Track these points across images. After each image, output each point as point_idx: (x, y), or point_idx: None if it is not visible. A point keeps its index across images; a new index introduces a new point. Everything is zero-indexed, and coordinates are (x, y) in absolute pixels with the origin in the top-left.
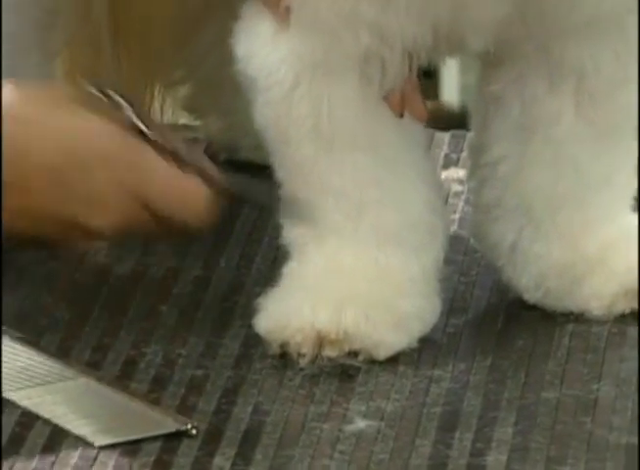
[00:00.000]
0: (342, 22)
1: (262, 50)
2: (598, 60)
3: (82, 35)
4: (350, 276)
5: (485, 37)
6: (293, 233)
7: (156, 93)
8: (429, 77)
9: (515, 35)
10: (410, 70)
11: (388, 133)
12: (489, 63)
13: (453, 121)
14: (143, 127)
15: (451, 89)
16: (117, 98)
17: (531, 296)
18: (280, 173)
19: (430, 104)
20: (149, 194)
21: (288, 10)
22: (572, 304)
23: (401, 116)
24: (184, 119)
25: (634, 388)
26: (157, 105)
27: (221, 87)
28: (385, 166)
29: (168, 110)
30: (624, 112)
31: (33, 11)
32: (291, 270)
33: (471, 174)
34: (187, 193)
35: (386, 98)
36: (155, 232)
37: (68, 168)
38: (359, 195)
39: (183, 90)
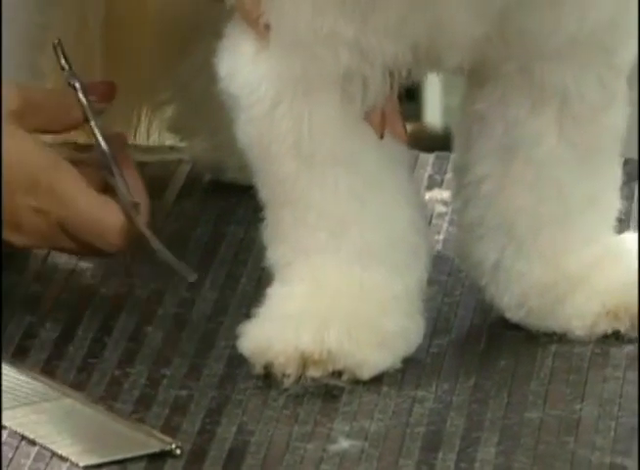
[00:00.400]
0: (322, 40)
1: (244, 68)
2: (581, 83)
3: (74, 54)
4: (334, 295)
5: (462, 55)
6: (277, 254)
7: (142, 115)
8: (411, 99)
9: (495, 55)
10: (392, 87)
11: (369, 152)
12: (474, 82)
13: (436, 143)
14: (87, 109)
15: (434, 111)
16: (72, 72)
17: (514, 315)
18: (263, 192)
19: (413, 125)
20: (66, 221)
21: (267, 27)
22: (555, 323)
23: (381, 136)
24: (170, 141)
25: (617, 408)
26: (143, 127)
27: (207, 108)
28: (366, 185)
29: (155, 132)
30: (608, 135)
31: (24, 25)
32: (275, 291)
33: (455, 194)
34: (102, 223)
35: (367, 117)
36: (74, 251)
37: None
38: (341, 213)
39: (169, 111)
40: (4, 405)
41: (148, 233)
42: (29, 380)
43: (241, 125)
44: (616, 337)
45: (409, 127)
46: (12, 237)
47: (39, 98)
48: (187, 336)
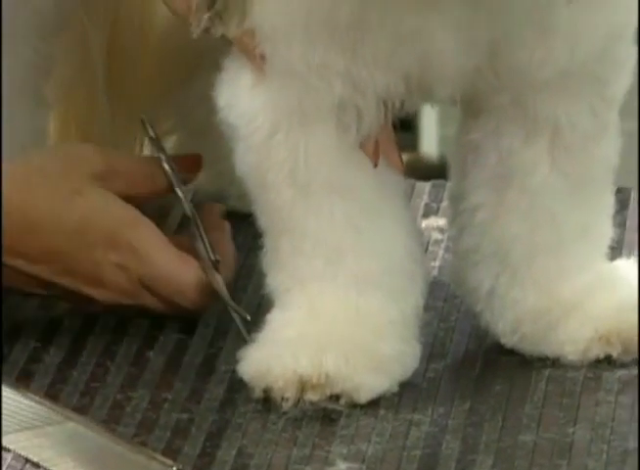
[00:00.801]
0: (315, 71)
1: (242, 99)
2: (573, 114)
3: (78, 84)
4: (331, 321)
5: (453, 87)
6: (276, 280)
7: (144, 144)
8: (408, 129)
9: (487, 87)
10: (386, 117)
11: (365, 180)
12: (469, 113)
13: (433, 172)
14: (173, 178)
15: (430, 141)
16: (159, 144)
17: (508, 340)
18: (261, 220)
19: (409, 155)
20: (145, 277)
21: (262, 57)
22: (548, 348)
23: (375, 165)
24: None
25: (609, 431)
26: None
27: (207, 138)
28: (362, 213)
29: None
30: (599, 165)
31: (27, 54)
32: (274, 317)
33: (451, 221)
34: (179, 280)
35: (361, 146)
36: (157, 307)
37: (70, 248)
38: (337, 241)
39: (171, 141)
40: (8, 429)
41: (224, 292)
42: (33, 404)
43: (239, 154)
44: (608, 361)
45: (406, 157)
46: (95, 292)
47: (124, 164)
48: (188, 361)
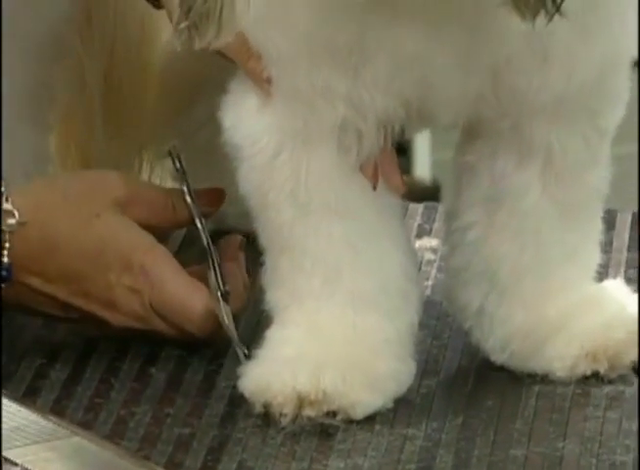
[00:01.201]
0: (319, 93)
1: (248, 121)
2: (565, 142)
3: (77, 109)
4: (328, 339)
5: (456, 112)
6: (275, 297)
7: (144, 164)
8: (401, 153)
9: (491, 112)
10: (387, 140)
11: (363, 202)
12: (468, 136)
13: (426, 195)
14: (192, 207)
15: (423, 165)
16: (184, 176)
17: (498, 357)
18: (262, 238)
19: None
20: (156, 302)
21: (269, 81)
22: (537, 365)
23: (375, 188)
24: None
25: (598, 445)
26: (145, 177)
27: (208, 159)
28: (360, 233)
29: (155, 181)
30: (589, 193)
31: (28, 82)
32: (273, 334)
33: (444, 240)
34: (189, 307)
35: (361, 169)
36: (168, 333)
37: (86, 269)
38: (335, 260)
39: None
40: (16, 443)
41: (229, 325)
42: (39, 419)
43: (243, 174)
44: (596, 378)
45: None
46: (108, 315)
47: (147, 193)
48: (189, 377)
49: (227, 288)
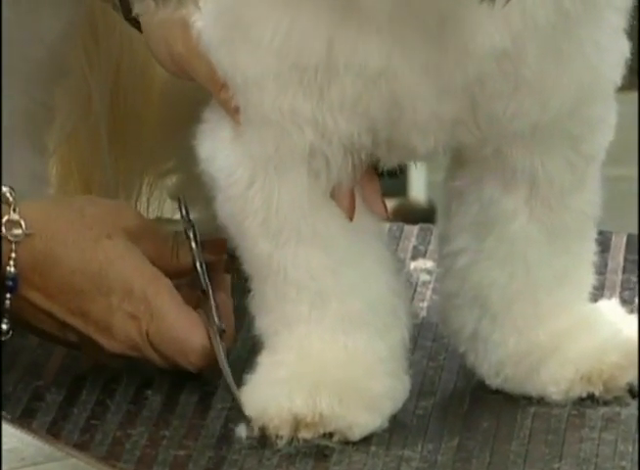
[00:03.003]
0: (287, 117)
1: (222, 152)
2: (549, 167)
3: (80, 131)
4: (321, 362)
5: (434, 140)
6: (264, 324)
7: (144, 187)
8: (397, 175)
9: (472, 138)
10: (355, 168)
11: (337, 227)
12: (456, 161)
13: (421, 216)
14: (196, 252)
15: (419, 187)
16: (190, 223)
17: (492, 382)
18: (245, 266)
19: (398, 200)
20: (153, 332)
21: (237, 110)
22: (532, 389)
23: (351, 219)
24: (168, 214)
25: (593, 467)
26: (144, 197)
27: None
28: (338, 259)
29: (154, 202)
30: (577, 217)
31: (27, 103)
32: (265, 359)
33: (438, 263)
34: (186, 342)
35: (336, 201)
36: (159, 364)
37: (88, 289)
38: (318, 286)
39: (172, 180)
40: (12, 465)
41: (225, 365)
42: (36, 441)
43: (219, 204)
44: (591, 400)
45: (396, 202)
46: (104, 340)
47: (155, 233)
48: (185, 399)
49: (223, 326)
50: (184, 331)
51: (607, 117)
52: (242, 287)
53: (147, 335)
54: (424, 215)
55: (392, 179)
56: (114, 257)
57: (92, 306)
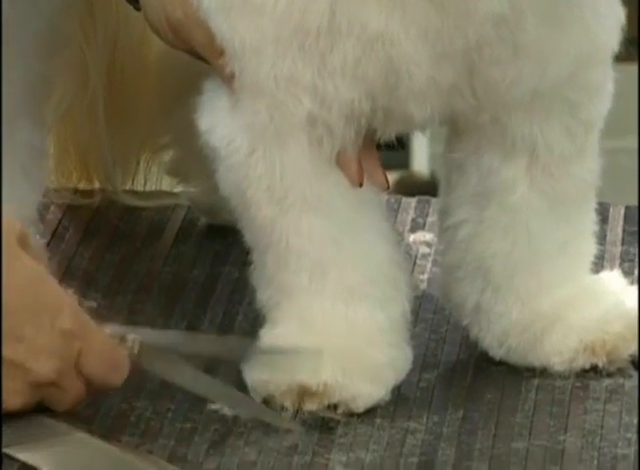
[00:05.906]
0: (282, 87)
1: (222, 122)
2: (548, 135)
3: (77, 105)
4: (323, 332)
5: (430, 107)
6: (265, 295)
7: (141, 161)
8: (400, 148)
9: (468, 107)
10: (358, 136)
11: (341, 196)
12: (453, 132)
13: (424, 189)
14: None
15: (421, 159)
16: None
17: (496, 353)
18: (247, 237)
19: (401, 172)
20: (85, 347)
21: (232, 76)
22: (535, 359)
23: (360, 185)
24: (166, 187)
25: (599, 439)
26: (141, 172)
27: (202, 152)
28: (340, 228)
29: (152, 177)
30: (577, 185)
31: (26, 76)
32: (267, 332)
33: (439, 236)
34: (119, 355)
35: (343, 169)
36: (77, 390)
37: (19, 309)
38: (319, 255)
39: (168, 155)
40: (16, 440)
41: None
42: (40, 415)
43: (221, 174)
44: (595, 371)
45: (398, 174)
46: (34, 364)
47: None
48: None
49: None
50: (113, 345)
51: (605, 84)
52: (243, 259)
53: (79, 354)
54: (426, 188)
55: (393, 152)
56: (36, 276)
57: (24, 328)
